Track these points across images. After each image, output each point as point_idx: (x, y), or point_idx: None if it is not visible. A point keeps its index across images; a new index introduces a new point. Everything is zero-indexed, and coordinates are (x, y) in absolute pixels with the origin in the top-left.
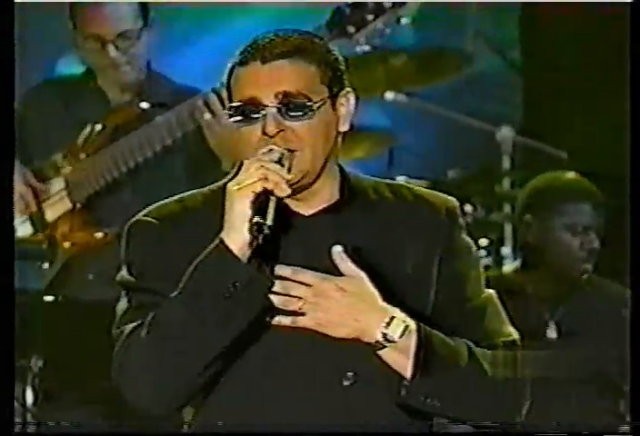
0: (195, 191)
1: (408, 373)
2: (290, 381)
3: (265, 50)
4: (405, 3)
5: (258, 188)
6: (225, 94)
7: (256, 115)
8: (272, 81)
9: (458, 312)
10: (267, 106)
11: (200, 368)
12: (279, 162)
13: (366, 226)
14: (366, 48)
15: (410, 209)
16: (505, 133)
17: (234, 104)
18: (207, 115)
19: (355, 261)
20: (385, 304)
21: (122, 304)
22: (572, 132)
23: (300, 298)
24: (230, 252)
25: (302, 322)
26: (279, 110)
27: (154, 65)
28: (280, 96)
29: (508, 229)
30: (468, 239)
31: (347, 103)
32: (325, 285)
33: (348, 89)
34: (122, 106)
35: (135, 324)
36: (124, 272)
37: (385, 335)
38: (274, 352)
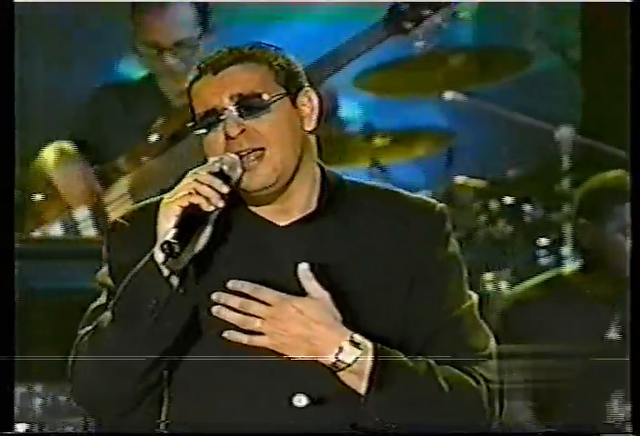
0: None
1: (362, 395)
2: (243, 399)
3: (216, 62)
4: None
5: (184, 202)
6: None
7: (217, 121)
8: (226, 86)
9: (434, 327)
10: (226, 110)
11: (135, 379)
12: (221, 173)
13: (341, 240)
14: (423, 44)
15: (391, 219)
16: (565, 132)
17: (196, 116)
18: None
19: (320, 279)
20: (342, 327)
21: (95, 302)
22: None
23: (258, 317)
24: (157, 266)
25: (259, 341)
26: (239, 111)
27: None
28: (235, 98)
29: (568, 229)
30: (452, 247)
31: (310, 102)
32: (284, 305)
33: (308, 88)
34: (182, 109)
35: (88, 328)
36: (104, 271)
37: (338, 359)
38: (228, 368)
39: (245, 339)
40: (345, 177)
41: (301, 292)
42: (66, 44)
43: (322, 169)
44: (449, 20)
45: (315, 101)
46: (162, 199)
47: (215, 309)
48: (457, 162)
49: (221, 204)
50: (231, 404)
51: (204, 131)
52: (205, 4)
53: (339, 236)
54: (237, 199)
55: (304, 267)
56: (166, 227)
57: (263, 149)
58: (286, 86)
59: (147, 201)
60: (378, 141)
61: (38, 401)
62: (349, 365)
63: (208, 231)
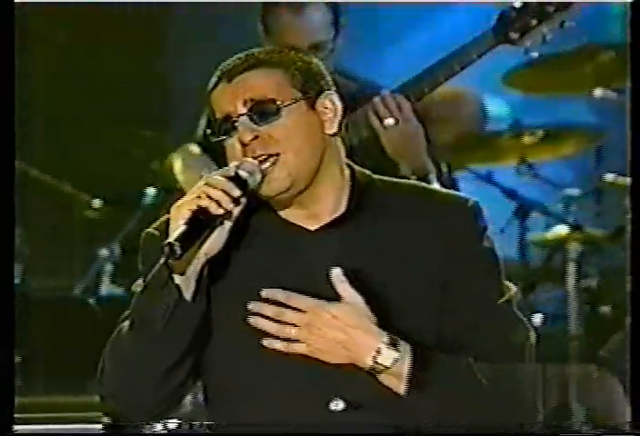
0: None
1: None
2: (280, 403)
3: (231, 69)
4: (568, 7)
5: (193, 206)
6: (398, 99)
7: (232, 128)
8: (239, 92)
9: (471, 322)
10: (240, 116)
11: (154, 382)
12: (236, 177)
13: (372, 241)
14: (533, 55)
15: (422, 216)
16: None
17: (214, 123)
18: (389, 121)
19: (354, 283)
20: (378, 330)
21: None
22: None
23: (294, 325)
24: (168, 272)
25: (295, 348)
26: (250, 117)
27: (344, 64)
28: (248, 104)
29: None
30: (487, 242)
31: (331, 105)
32: (318, 311)
33: (329, 92)
34: None
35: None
36: (139, 282)
37: (376, 363)
38: (266, 372)
39: (282, 346)
40: (375, 176)
41: (335, 297)
42: (212, 43)
43: (352, 170)
44: (555, 30)
45: (338, 104)
46: None
47: (251, 319)
48: (606, 159)
49: (231, 207)
50: (268, 408)
51: (223, 138)
52: (338, 4)
53: (370, 237)
54: (267, 206)
55: (337, 272)
56: (174, 230)
57: (278, 154)
58: (304, 90)
59: None
60: (527, 138)
61: (188, 397)
62: (387, 368)
63: (221, 235)
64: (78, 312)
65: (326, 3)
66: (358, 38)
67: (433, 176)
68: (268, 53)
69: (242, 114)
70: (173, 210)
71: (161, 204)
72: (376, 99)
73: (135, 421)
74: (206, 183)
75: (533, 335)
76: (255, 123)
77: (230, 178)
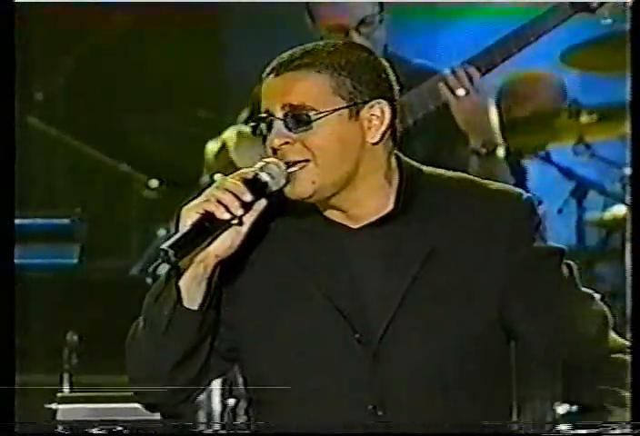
0: None
1: None
2: (326, 408)
3: (282, 64)
4: None
5: (200, 209)
6: (469, 70)
7: (269, 127)
8: (280, 93)
9: (542, 327)
10: (277, 118)
11: (163, 375)
12: (254, 180)
13: (421, 240)
14: (609, 22)
15: (474, 213)
16: None
17: (255, 117)
18: (460, 91)
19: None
20: None
21: None
22: None
23: None
24: (178, 276)
25: None
26: (284, 123)
27: (391, 48)
28: (286, 108)
29: None
30: (540, 239)
31: (380, 113)
32: None
33: (379, 100)
34: None
35: (135, 323)
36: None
37: None
38: (312, 371)
39: None
40: (424, 168)
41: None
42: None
43: (400, 165)
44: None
45: (387, 115)
46: None
47: None
48: None
49: (240, 213)
50: (310, 411)
51: (262, 132)
52: None
53: (419, 235)
54: (312, 205)
55: None
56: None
57: (307, 160)
58: (351, 97)
59: None
60: (585, 118)
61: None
62: None
63: (233, 236)
64: (136, 292)
65: None
66: (414, 19)
67: (501, 151)
68: (322, 52)
69: (278, 118)
70: (182, 212)
71: None
72: (447, 70)
73: (152, 410)
74: (218, 186)
75: (601, 303)
76: (289, 130)
77: (247, 181)
